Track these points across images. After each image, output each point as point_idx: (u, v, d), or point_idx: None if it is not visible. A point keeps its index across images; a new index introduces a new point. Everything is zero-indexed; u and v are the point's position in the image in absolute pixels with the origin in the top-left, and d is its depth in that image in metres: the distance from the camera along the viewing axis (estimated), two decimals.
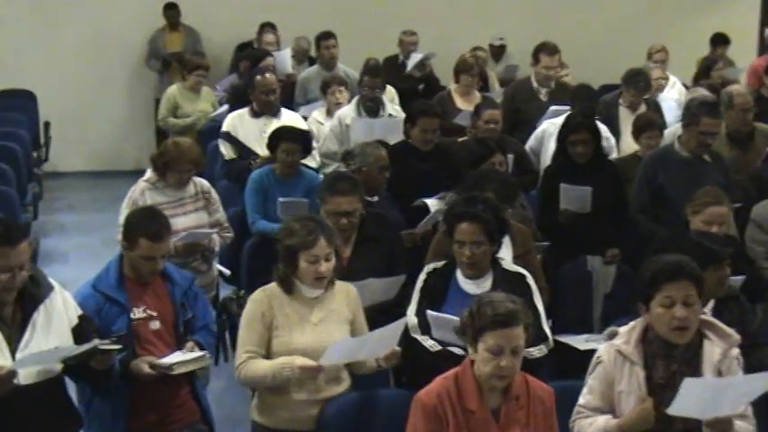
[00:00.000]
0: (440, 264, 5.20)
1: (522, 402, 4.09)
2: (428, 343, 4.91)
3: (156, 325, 4.95)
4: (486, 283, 5.10)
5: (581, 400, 4.29)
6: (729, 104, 8.01)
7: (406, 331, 4.94)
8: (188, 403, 5.06)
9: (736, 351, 4.26)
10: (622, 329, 4.29)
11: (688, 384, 3.94)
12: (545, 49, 9.55)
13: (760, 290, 6.06)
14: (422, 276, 5.16)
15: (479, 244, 5.08)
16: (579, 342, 6.12)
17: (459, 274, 5.14)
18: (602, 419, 4.19)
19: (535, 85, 9.55)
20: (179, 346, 4.95)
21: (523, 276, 5.28)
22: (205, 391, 5.22)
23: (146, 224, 4.93)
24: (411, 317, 5.02)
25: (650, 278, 4.16)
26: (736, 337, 4.27)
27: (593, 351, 5.63)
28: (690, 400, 3.93)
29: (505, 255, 5.78)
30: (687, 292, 4.11)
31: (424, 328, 5.01)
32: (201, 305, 5.19)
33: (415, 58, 11.51)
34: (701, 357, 4.19)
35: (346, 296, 4.95)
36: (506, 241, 5.84)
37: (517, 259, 5.81)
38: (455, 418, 4.01)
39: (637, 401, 4.13)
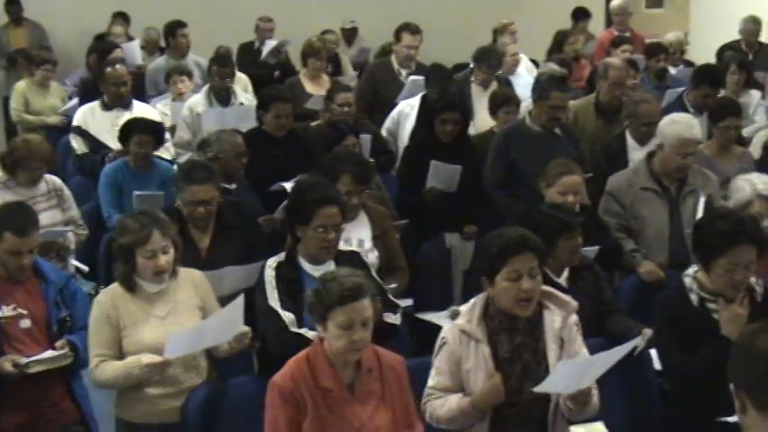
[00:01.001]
0: (281, 256, 5.14)
1: (375, 374, 4.11)
2: (310, 334, 4.88)
3: (26, 323, 4.86)
4: (330, 267, 5.09)
5: (430, 382, 4.31)
6: (604, 76, 8.18)
7: (281, 324, 4.91)
8: (63, 403, 4.97)
9: (574, 317, 4.34)
10: (463, 308, 4.32)
11: (560, 366, 4.03)
12: (407, 29, 9.63)
13: (615, 258, 6.21)
14: (269, 272, 5.02)
15: (339, 227, 5.08)
16: (440, 319, 6.18)
17: (303, 262, 5.07)
18: (454, 398, 4.22)
19: (396, 65, 9.60)
20: (53, 345, 4.86)
21: (358, 254, 5.32)
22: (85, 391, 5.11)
23: (11, 218, 4.86)
24: (284, 313, 4.95)
25: (497, 252, 4.19)
26: (574, 303, 4.36)
27: None
28: (558, 379, 4.02)
29: (364, 236, 5.81)
30: (531, 264, 4.17)
31: (300, 320, 4.97)
32: (81, 305, 5.07)
33: (270, 44, 11.46)
34: (543, 327, 4.27)
35: (192, 283, 4.92)
36: (365, 222, 5.88)
37: (376, 239, 5.85)
38: (312, 399, 4.01)
39: (485, 377, 4.18)
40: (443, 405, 4.24)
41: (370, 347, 4.14)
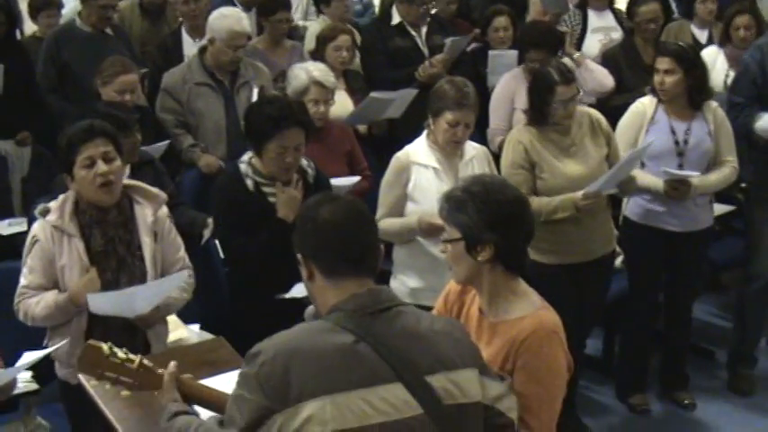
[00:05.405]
0: None
1: None
2: None
3: None
4: None
5: (23, 281, 4.23)
6: None
7: None
8: None
9: (165, 210, 4.39)
10: (53, 205, 4.23)
11: (92, 299, 4.06)
12: None
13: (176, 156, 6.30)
14: None
15: None
16: (2, 228, 6.04)
17: None
18: (50, 294, 4.16)
19: None
20: None
21: None
22: None
23: None
24: None
25: (66, 145, 4.14)
26: (163, 196, 4.40)
27: (18, 234, 5.64)
28: (101, 304, 4.09)
29: None
30: (105, 148, 4.14)
31: None
32: None
33: None
34: (136, 221, 4.28)
35: None
36: None
37: None
38: None
39: (80, 272, 4.15)
40: (39, 303, 4.17)
41: None
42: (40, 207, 4.31)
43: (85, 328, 4.20)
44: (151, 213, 4.31)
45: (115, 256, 4.22)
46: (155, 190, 4.40)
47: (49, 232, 4.19)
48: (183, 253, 4.44)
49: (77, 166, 4.13)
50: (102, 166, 4.11)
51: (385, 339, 2.62)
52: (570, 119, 5.32)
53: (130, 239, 4.26)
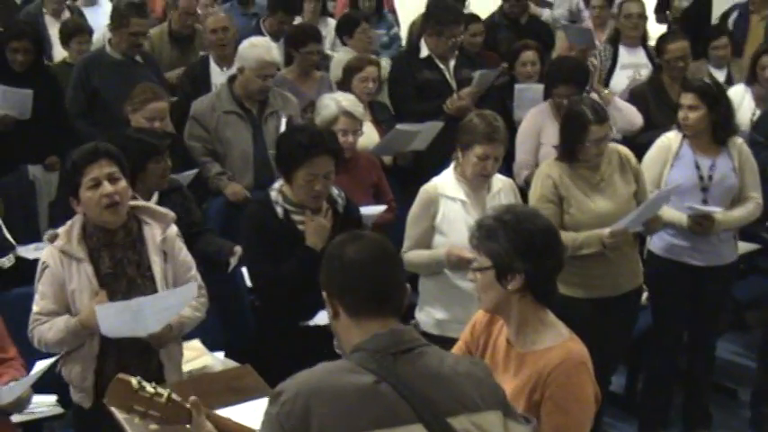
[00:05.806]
0: None
1: None
2: None
3: None
4: None
5: (35, 308, 4.23)
6: (174, 5, 8.23)
7: None
8: None
9: (174, 229, 4.39)
10: (61, 230, 4.25)
11: (101, 310, 4.04)
12: None
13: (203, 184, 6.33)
14: None
15: None
16: (29, 252, 6.05)
17: None
18: (62, 320, 4.16)
19: None
20: None
21: None
22: None
23: None
24: None
25: (72, 167, 4.15)
26: (172, 215, 4.39)
27: None
28: (111, 323, 4.06)
29: None
30: (109, 169, 4.14)
31: None
32: None
33: None
34: (145, 241, 4.28)
35: None
36: None
37: None
38: None
39: (91, 296, 4.15)
40: (51, 328, 4.17)
41: None
42: (48, 233, 4.35)
43: (98, 352, 4.21)
44: (160, 233, 4.30)
45: (125, 278, 4.22)
46: (162, 209, 4.40)
47: (57, 257, 4.19)
48: (194, 272, 4.42)
49: (83, 187, 4.13)
50: (107, 187, 4.11)
51: (406, 380, 2.60)
52: (601, 156, 5.33)
53: (140, 260, 4.26)
